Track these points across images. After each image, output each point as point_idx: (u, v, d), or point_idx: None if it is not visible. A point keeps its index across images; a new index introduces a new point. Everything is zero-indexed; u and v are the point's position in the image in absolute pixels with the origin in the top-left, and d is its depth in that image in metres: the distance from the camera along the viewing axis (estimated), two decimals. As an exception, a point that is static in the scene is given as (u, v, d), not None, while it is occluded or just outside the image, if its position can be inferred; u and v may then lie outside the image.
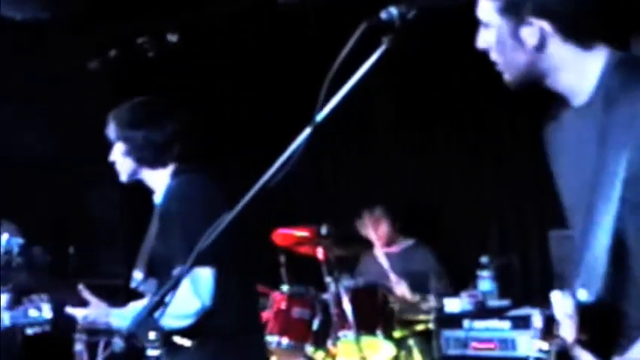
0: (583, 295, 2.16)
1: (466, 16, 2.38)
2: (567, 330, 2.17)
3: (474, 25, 2.47)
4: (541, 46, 2.34)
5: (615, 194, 2.18)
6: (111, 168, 3.89)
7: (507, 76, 2.43)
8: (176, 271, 3.37)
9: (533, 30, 2.32)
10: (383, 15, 2.17)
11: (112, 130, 3.84)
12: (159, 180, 3.82)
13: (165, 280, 3.53)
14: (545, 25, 2.32)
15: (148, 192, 3.91)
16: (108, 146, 3.88)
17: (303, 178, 7.56)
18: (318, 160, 7.68)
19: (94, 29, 7.71)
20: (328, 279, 5.52)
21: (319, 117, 2.14)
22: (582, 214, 2.28)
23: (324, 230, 5.50)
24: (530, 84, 2.43)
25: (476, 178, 7.33)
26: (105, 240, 8.03)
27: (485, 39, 2.43)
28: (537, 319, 2.30)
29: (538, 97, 2.56)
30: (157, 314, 2.12)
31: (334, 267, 5.54)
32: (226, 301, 3.53)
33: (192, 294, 3.44)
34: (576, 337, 2.15)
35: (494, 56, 2.43)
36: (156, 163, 3.81)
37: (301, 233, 5.69)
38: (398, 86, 7.07)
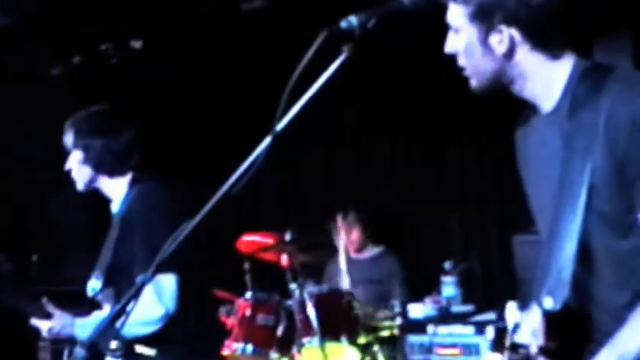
0: (549, 302, 2.19)
1: (431, 23, 2.39)
2: (531, 339, 2.20)
3: (438, 31, 2.49)
4: (510, 53, 2.36)
5: (580, 201, 2.21)
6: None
7: (474, 82, 2.45)
8: (138, 279, 3.38)
9: (502, 37, 2.35)
10: (343, 24, 2.18)
11: (69, 139, 3.85)
12: (116, 188, 3.83)
13: (124, 288, 3.54)
14: (515, 33, 2.34)
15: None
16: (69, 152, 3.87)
17: (267, 185, 7.57)
18: (282, 166, 7.69)
19: (56, 35, 7.67)
20: (292, 285, 5.52)
21: (279, 126, 2.14)
22: (548, 219, 2.32)
23: (288, 237, 5.50)
24: (496, 90, 2.45)
25: (439, 185, 7.37)
26: (69, 246, 7.97)
27: (453, 44, 2.44)
28: (490, 331, 2.32)
29: (501, 103, 2.59)
30: (118, 323, 2.12)
31: (298, 273, 5.54)
32: (188, 308, 3.56)
33: (156, 301, 3.47)
34: (543, 345, 2.18)
35: (462, 62, 2.44)
36: (114, 171, 3.82)
37: (265, 240, 5.68)
38: (363, 92, 7.09)
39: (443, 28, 2.46)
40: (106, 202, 3.96)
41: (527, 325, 2.30)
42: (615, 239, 2.27)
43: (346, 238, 6.97)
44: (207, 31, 7.41)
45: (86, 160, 3.81)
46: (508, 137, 7.02)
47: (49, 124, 4.34)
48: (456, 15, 2.40)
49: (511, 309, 2.27)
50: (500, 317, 2.32)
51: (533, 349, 2.20)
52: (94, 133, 3.80)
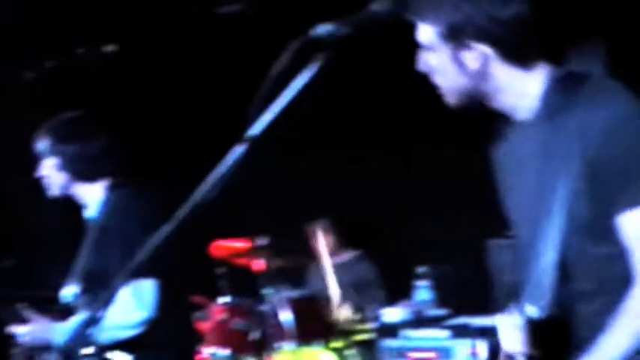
0: (532, 310, 2.21)
1: (399, 32, 2.41)
2: (516, 345, 2.23)
3: (405, 38, 2.51)
4: (483, 69, 2.38)
5: (559, 209, 2.23)
6: None
7: (450, 99, 2.47)
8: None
9: (474, 54, 2.37)
10: (316, 32, 2.19)
11: (43, 145, 3.83)
12: (92, 194, 3.82)
13: (100, 294, 3.54)
14: (487, 49, 2.36)
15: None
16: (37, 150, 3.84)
17: (241, 190, 7.56)
18: (256, 172, 7.69)
19: (30, 39, 7.65)
20: (266, 290, 5.54)
21: (252, 132, 2.15)
22: (526, 227, 2.35)
23: (262, 242, 5.53)
24: (472, 105, 2.47)
25: (412, 189, 7.40)
26: (46, 251, 7.95)
27: (426, 63, 2.46)
28: (482, 349, 2.35)
29: (473, 110, 2.62)
30: (92, 328, 2.12)
31: (273, 278, 5.56)
32: (166, 313, 3.56)
33: (136, 305, 3.48)
34: (526, 352, 2.21)
35: (436, 79, 2.46)
36: (90, 177, 3.81)
37: (240, 245, 5.70)
38: (334, 98, 7.11)
39: (411, 36, 2.48)
40: (79, 208, 3.95)
41: (507, 330, 2.36)
42: (591, 245, 2.30)
43: (320, 244, 7.00)
44: (182, 34, 7.42)
45: (62, 167, 3.79)
46: (481, 142, 7.06)
47: (23, 129, 4.32)
48: (427, 34, 2.42)
49: (503, 322, 2.31)
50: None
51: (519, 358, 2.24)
52: (70, 140, 3.78)
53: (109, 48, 7.47)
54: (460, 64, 2.39)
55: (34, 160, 3.96)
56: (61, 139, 3.79)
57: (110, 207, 3.73)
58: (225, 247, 5.73)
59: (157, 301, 3.51)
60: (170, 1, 7.09)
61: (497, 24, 2.33)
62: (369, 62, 6.44)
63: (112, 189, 3.80)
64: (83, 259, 3.82)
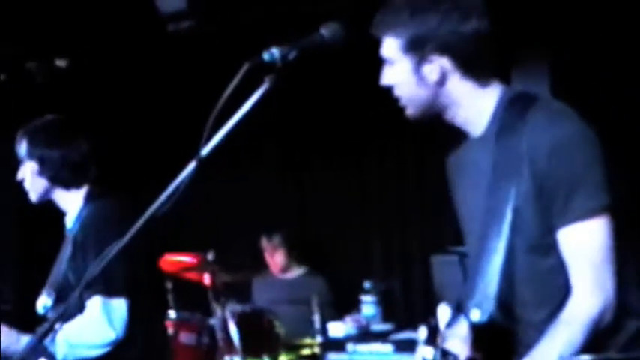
0: (476, 314, 2.32)
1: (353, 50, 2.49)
2: (460, 348, 2.32)
3: (360, 56, 2.59)
4: (442, 81, 2.47)
5: (506, 221, 2.34)
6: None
7: (409, 111, 2.55)
8: (93, 300, 3.38)
9: (434, 66, 2.46)
10: (265, 56, 2.27)
11: (23, 149, 3.71)
12: (72, 202, 3.73)
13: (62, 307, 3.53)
14: (446, 63, 2.46)
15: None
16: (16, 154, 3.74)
17: (190, 205, 7.58)
18: (205, 186, 7.71)
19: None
20: (215, 304, 5.57)
21: (204, 151, 2.23)
22: (476, 239, 2.44)
23: (210, 256, 5.56)
24: (430, 118, 2.56)
25: (360, 205, 7.48)
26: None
27: (389, 76, 2.55)
28: (422, 331, 2.45)
29: (424, 126, 2.72)
30: (47, 340, 2.17)
31: (220, 292, 5.59)
32: (136, 331, 3.51)
33: (107, 324, 3.40)
34: (469, 355, 2.30)
35: (397, 92, 2.55)
36: (71, 183, 3.71)
37: (188, 259, 5.72)
38: (284, 115, 7.18)
39: (360, 47, 2.57)
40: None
41: (456, 335, 2.45)
42: (536, 258, 2.40)
43: (270, 259, 7.07)
44: (133, 50, 7.43)
45: (42, 172, 3.68)
46: (428, 158, 7.18)
47: None
48: (390, 47, 2.51)
49: (443, 309, 2.41)
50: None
51: (462, 359, 2.31)
52: (51, 144, 3.68)
53: (61, 63, 7.44)
54: (420, 76, 2.48)
55: None
56: (42, 143, 3.68)
57: (87, 220, 3.62)
58: (175, 261, 5.74)
59: (127, 320, 3.44)
60: (122, 17, 7.09)
61: (457, 38, 2.43)
62: (322, 78, 6.54)
63: (91, 199, 3.71)
64: (58, 270, 3.72)
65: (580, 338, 2.30)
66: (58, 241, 3.87)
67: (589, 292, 2.33)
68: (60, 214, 3.85)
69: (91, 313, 3.38)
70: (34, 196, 3.76)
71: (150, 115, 7.86)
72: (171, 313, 5.69)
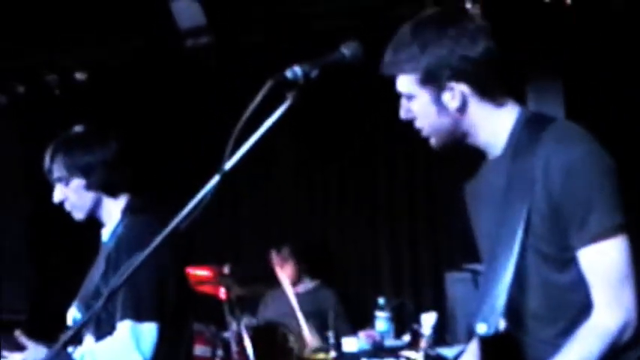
0: (482, 328, 2.36)
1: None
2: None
3: (372, 65, 2.63)
4: (462, 107, 2.50)
5: (517, 238, 2.38)
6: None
7: (434, 141, 2.60)
8: (123, 324, 3.32)
9: (454, 94, 2.49)
10: (288, 74, 2.30)
11: (60, 167, 3.60)
12: (112, 213, 3.65)
13: (104, 320, 3.46)
14: (464, 88, 2.49)
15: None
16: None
17: (205, 219, 7.60)
18: (221, 199, 7.75)
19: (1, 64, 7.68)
20: (229, 318, 5.60)
21: (227, 166, 2.26)
22: (490, 258, 2.47)
23: (226, 270, 5.58)
24: (454, 144, 2.59)
25: (373, 221, 7.50)
26: (7, 273, 7.91)
27: (408, 110, 2.58)
28: (407, 337, 2.49)
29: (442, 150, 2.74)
30: (70, 349, 2.19)
31: (235, 306, 5.61)
32: (163, 355, 3.45)
33: (134, 348, 3.34)
34: None
35: (419, 124, 2.58)
36: (114, 188, 3.63)
37: (204, 273, 5.75)
38: (299, 129, 7.21)
39: (375, 60, 2.60)
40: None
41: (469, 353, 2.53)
42: (551, 273, 2.43)
43: (280, 272, 7.09)
44: (152, 65, 7.48)
45: (89, 184, 3.60)
46: (439, 174, 7.18)
47: None
48: (406, 83, 2.54)
49: (428, 316, 2.46)
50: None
51: None
52: (89, 152, 3.59)
53: (81, 76, 7.49)
54: (441, 106, 2.51)
55: None
56: (81, 154, 3.58)
57: (121, 236, 3.54)
58: (190, 274, 5.77)
59: (155, 345, 3.36)
60: (141, 32, 7.15)
61: (469, 62, 2.46)
62: (333, 95, 6.58)
63: (127, 212, 3.64)
64: (90, 283, 3.65)
65: (597, 354, 2.34)
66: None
67: (608, 309, 2.37)
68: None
69: (120, 336, 3.31)
70: (80, 214, 3.67)
71: (167, 130, 7.90)
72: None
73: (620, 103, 6.16)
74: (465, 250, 2.80)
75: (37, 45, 7.30)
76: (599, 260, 2.38)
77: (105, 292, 3.39)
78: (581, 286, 2.42)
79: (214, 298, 5.74)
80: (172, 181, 7.40)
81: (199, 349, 5.65)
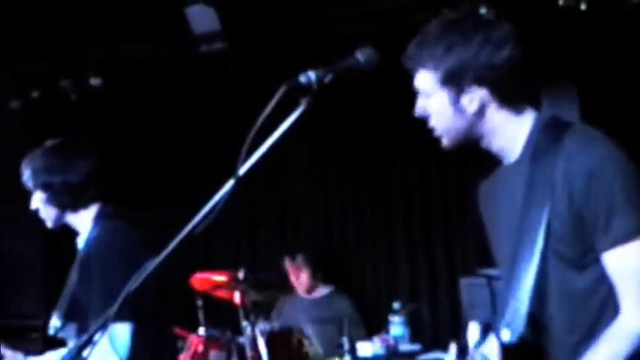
0: (506, 335, 2.36)
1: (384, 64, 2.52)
2: None
3: (390, 71, 2.62)
4: (480, 112, 2.52)
5: (538, 242, 2.39)
6: (28, 207, 3.79)
7: (446, 141, 2.60)
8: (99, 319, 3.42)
9: (473, 97, 2.50)
10: (302, 79, 2.30)
11: (28, 179, 3.78)
12: (83, 222, 3.79)
13: (84, 325, 3.56)
14: (484, 93, 2.50)
15: (68, 230, 3.86)
16: (24, 184, 3.78)
17: (220, 223, 7.61)
18: (235, 204, 7.75)
19: (15, 70, 7.70)
20: (244, 323, 5.60)
21: (241, 171, 2.26)
22: (509, 263, 2.47)
23: (241, 275, 5.57)
24: (466, 146, 2.60)
25: (388, 226, 7.50)
26: (22, 280, 7.94)
27: (424, 107, 2.59)
28: (452, 349, 2.49)
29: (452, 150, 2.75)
30: (85, 353, 2.19)
31: (250, 311, 5.61)
32: (142, 353, 3.53)
33: (110, 349, 3.42)
34: None
35: (433, 122, 2.59)
36: (77, 205, 3.76)
37: (219, 278, 5.75)
38: (312, 135, 7.22)
39: (391, 64, 2.60)
40: (62, 235, 3.90)
41: (485, 356, 2.50)
42: (571, 277, 2.44)
43: (295, 280, 7.09)
44: (166, 70, 7.49)
45: (49, 200, 3.75)
46: (454, 179, 7.15)
47: (4, 158, 4.23)
48: (426, 81, 2.55)
49: (472, 328, 2.45)
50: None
51: None
52: (51, 171, 3.73)
53: (95, 81, 7.51)
54: (458, 108, 2.52)
55: (10, 188, 3.92)
56: (43, 171, 3.74)
57: (94, 242, 3.67)
58: (206, 279, 5.77)
59: (131, 345, 3.46)
60: (156, 37, 7.17)
61: (492, 68, 2.47)
62: (349, 97, 6.58)
63: (99, 219, 3.76)
64: (68, 291, 3.77)
65: (623, 356, 2.34)
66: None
67: (634, 311, 2.37)
68: None
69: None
70: (49, 223, 3.83)
71: (181, 135, 7.91)
72: (201, 331, 5.72)
73: (635, 108, 6.14)
74: (480, 255, 2.79)
75: (51, 50, 7.33)
76: (624, 263, 2.38)
77: (81, 298, 3.47)
78: (598, 290, 2.43)
79: (229, 303, 5.74)
80: (187, 184, 7.42)
81: (214, 355, 5.64)
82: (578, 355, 2.39)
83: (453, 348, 2.50)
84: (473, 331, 2.49)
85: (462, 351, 2.47)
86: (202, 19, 6.84)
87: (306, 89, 2.31)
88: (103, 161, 3.90)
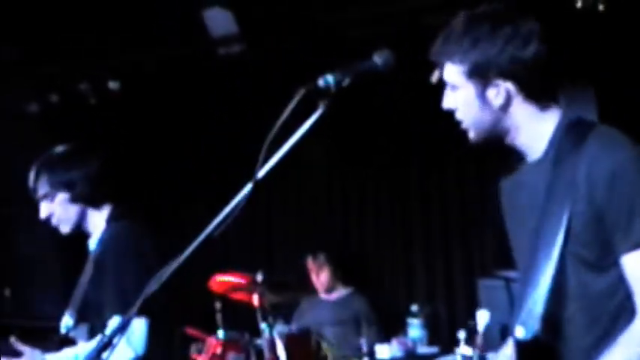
0: (520, 332, 2.36)
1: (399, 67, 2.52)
2: None
3: (405, 69, 2.62)
4: (506, 105, 2.52)
5: (557, 243, 2.38)
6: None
7: (472, 134, 2.60)
8: (113, 320, 3.44)
9: (499, 90, 2.51)
10: (320, 82, 2.31)
11: (45, 184, 3.80)
12: (97, 223, 3.82)
13: (97, 326, 3.61)
14: (510, 86, 2.50)
15: (81, 233, 3.90)
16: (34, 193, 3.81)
17: (238, 226, 7.63)
18: (254, 207, 7.77)
19: (34, 73, 7.74)
20: (263, 325, 5.60)
21: (260, 174, 2.27)
22: (527, 262, 2.47)
23: (259, 277, 5.58)
24: (491, 141, 2.61)
25: (406, 228, 7.50)
26: (41, 281, 7.97)
27: (451, 100, 2.60)
28: (463, 334, 2.50)
29: (469, 150, 2.75)
30: (105, 355, 2.20)
31: (269, 313, 5.62)
32: (156, 350, 3.57)
33: (126, 343, 3.44)
34: None
35: (459, 115, 2.60)
36: (97, 200, 3.80)
37: (237, 280, 5.76)
38: (332, 135, 7.23)
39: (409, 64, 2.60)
40: (77, 236, 3.93)
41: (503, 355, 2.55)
42: (589, 279, 2.43)
43: (316, 279, 7.11)
44: (184, 73, 7.52)
45: (73, 198, 3.77)
46: (474, 182, 7.14)
47: (23, 160, 4.27)
48: (453, 73, 2.56)
49: (482, 314, 2.46)
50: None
51: None
52: (72, 168, 3.77)
53: (114, 85, 7.54)
54: (484, 100, 2.53)
55: (26, 189, 3.91)
56: (64, 170, 3.77)
57: (107, 242, 3.71)
58: (224, 281, 5.79)
59: (146, 340, 3.49)
60: (174, 41, 7.19)
61: (519, 62, 2.48)
62: (367, 98, 6.58)
63: (112, 221, 3.80)
64: (80, 290, 3.81)
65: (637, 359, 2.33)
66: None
67: None
68: None
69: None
70: (66, 227, 3.84)
71: (201, 137, 7.94)
72: (220, 334, 5.73)
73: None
74: (497, 257, 2.79)
75: (69, 54, 7.37)
76: None
77: (93, 298, 3.49)
78: (616, 292, 2.43)
79: (247, 306, 5.75)
80: (202, 186, 7.44)
81: (233, 357, 5.65)
82: (592, 358, 2.39)
83: (462, 332, 2.50)
84: (482, 316, 2.50)
85: (471, 333, 2.48)
86: (220, 22, 6.86)
87: (324, 92, 2.31)
88: (116, 161, 4.05)
